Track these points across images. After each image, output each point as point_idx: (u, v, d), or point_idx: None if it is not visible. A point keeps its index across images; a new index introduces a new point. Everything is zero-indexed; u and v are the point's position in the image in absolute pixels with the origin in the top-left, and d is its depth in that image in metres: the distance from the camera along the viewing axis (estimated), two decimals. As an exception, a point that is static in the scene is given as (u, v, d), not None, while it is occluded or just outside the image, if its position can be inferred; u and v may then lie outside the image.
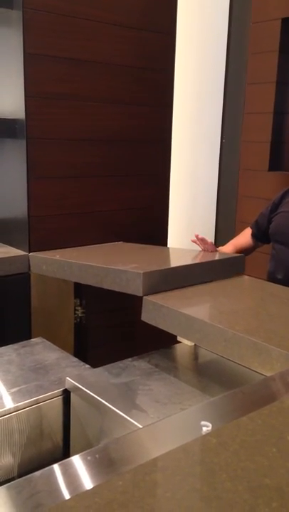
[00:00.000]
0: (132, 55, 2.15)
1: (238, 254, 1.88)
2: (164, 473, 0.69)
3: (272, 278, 1.86)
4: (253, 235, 2.03)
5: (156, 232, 2.40)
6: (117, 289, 1.58)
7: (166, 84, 2.31)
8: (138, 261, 1.70)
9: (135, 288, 1.51)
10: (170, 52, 2.30)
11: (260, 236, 2.01)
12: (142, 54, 2.18)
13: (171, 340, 1.67)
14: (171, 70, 2.32)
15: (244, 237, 2.08)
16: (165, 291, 1.54)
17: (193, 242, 1.93)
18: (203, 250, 1.92)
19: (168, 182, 2.39)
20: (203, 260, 1.76)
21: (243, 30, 2.59)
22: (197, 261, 1.74)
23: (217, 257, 1.83)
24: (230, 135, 2.72)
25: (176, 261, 1.88)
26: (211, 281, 1.70)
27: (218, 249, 1.98)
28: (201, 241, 1.89)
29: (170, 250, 2.14)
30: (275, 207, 1.96)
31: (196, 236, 1.89)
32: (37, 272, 1.98)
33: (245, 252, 2.04)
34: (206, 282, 1.66)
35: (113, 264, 1.62)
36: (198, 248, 1.96)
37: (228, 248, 2.01)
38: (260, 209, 2.05)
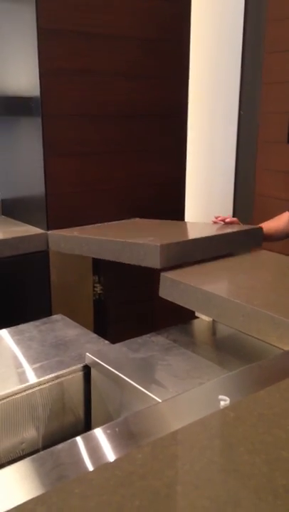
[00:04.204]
0: (148, 28, 2.10)
1: (256, 226, 1.86)
2: (182, 446, 0.71)
3: None
4: None
5: (173, 207, 2.39)
6: (134, 262, 1.58)
7: (182, 56, 2.26)
8: (155, 234, 1.69)
9: (152, 261, 1.50)
10: (185, 21, 2.24)
11: None
12: (158, 26, 2.13)
13: (189, 315, 1.68)
14: (187, 40, 2.27)
15: (278, 219, 2.01)
16: (182, 265, 1.53)
17: (215, 222, 1.90)
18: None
19: (185, 156, 2.37)
20: (221, 232, 1.75)
21: (260, -3, 2.51)
22: (215, 233, 1.73)
23: (235, 228, 1.81)
24: (248, 107, 2.67)
25: (193, 233, 1.87)
26: (229, 253, 1.69)
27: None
28: (221, 221, 1.86)
29: (187, 224, 2.14)
30: None
31: (216, 218, 1.85)
32: (55, 250, 2.00)
33: (278, 235, 1.99)
34: (224, 255, 1.66)
35: (130, 239, 1.62)
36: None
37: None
38: (279, 182, 2.02)
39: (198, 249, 1.61)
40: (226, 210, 2.80)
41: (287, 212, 2.01)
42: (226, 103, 2.69)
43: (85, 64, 1.98)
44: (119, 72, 2.07)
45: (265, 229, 1.98)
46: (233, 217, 2.75)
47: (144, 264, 1.55)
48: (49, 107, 1.93)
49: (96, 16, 1.97)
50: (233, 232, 1.76)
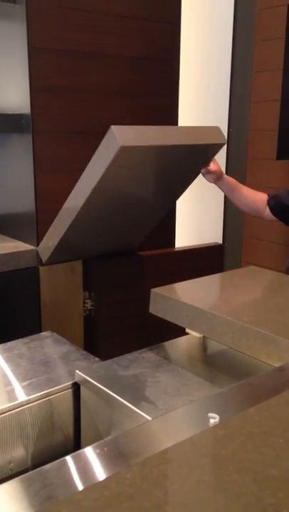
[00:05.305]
0: (137, 46, 2.14)
1: (214, 126, 1.92)
2: (171, 465, 0.70)
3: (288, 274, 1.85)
4: (269, 204, 1.99)
5: (164, 237, 2.42)
6: (106, 163, 1.63)
7: (172, 75, 2.30)
8: None
9: (113, 145, 1.58)
10: (175, 42, 2.28)
11: (274, 206, 1.96)
12: (147, 45, 2.17)
13: (180, 331, 1.68)
14: (177, 60, 2.30)
15: (255, 192, 2.04)
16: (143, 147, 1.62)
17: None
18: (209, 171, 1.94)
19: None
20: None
21: (248, 17, 2.56)
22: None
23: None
24: (237, 124, 2.70)
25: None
26: (189, 144, 1.77)
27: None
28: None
29: None
30: None
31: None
32: (48, 256, 1.98)
33: (251, 207, 2.01)
34: (184, 145, 1.74)
35: None
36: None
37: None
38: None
39: (157, 134, 1.69)
40: (217, 226, 2.82)
41: (266, 195, 2.01)
42: (215, 121, 2.72)
43: (76, 82, 2.01)
44: (110, 90, 2.10)
45: (241, 188, 2.01)
46: (224, 233, 2.79)
47: (110, 156, 1.60)
48: (39, 124, 1.95)
49: (86, 35, 2.00)
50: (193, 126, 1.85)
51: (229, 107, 2.70)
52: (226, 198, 2.76)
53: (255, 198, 1.99)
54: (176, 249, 2.56)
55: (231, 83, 2.67)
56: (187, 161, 1.89)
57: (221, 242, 2.81)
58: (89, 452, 0.73)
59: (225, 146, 2.76)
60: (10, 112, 2.02)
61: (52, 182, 2.02)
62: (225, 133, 2.74)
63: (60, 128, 2.00)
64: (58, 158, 2.02)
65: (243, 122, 2.66)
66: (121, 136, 1.59)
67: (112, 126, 1.61)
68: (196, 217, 2.77)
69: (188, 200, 2.67)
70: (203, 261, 2.60)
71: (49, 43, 1.92)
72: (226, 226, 2.82)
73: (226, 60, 2.64)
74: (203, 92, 2.63)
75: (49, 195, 2.02)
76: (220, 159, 2.79)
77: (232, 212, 2.79)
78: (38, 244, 2.02)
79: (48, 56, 1.92)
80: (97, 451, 0.73)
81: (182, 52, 2.35)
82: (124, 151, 1.59)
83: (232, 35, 2.62)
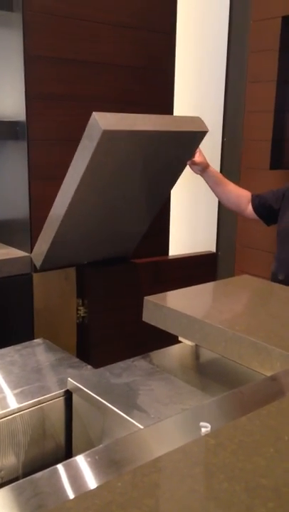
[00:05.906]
0: (133, 55, 2.15)
1: (195, 116, 1.93)
2: (163, 474, 0.70)
3: (274, 279, 1.86)
4: (253, 202, 2.01)
5: (158, 245, 2.42)
6: (88, 155, 1.63)
7: (167, 84, 2.32)
8: None
9: (95, 131, 1.59)
10: (170, 51, 2.30)
11: (258, 205, 1.99)
12: (143, 54, 2.18)
13: (173, 339, 1.69)
14: (172, 69, 2.32)
15: (239, 188, 2.06)
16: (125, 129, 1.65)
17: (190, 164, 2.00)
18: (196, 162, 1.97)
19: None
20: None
21: (243, 29, 2.58)
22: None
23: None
24: (231, 134, 2.72)
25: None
26: (171, 131, 1.80)
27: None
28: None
29: None
30: (281, 197, 1.95)
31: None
32: (41, 261, 1.97)
33: (234, 202, 2.03)
34: (167, 131, 1.77)
35: None
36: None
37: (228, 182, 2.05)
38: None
39: (139, 120, 1.71)
40: (210, 235, 2.83)
41: (250, 193, 2.04)
42: (209, 130, 2.74)
43: (72, 90, 2.02)
44: (105, 99, 2.11)
45: (226, 183, 2.04)
46: (217, 242, 2.80)
47: (93, 143, 1.61)
48: (35, 132, 1.95)
49: (83, 44, 2.01)
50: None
51: (224, 117, 2.72)
52: (219, 206, 2.78)
53: (239, 194, 2.04)
54: (169, 258, 2.56)
55: (226, 93, 2.70)
56: (172, 152, 1.90)
57: (214, 250, 2.82)
58: (80, 461, 0.73)
59: (219, 156, 2.78)
60: (5, 119, 2.02)
61: (46, 189, 2.02)
62: (219, 143, 2.76)
63: (55, 135, 2.01)
64: (53, 166, 2.03)
65: (237, 132, 2.67)
66: (103, 121, 1.60)
67: (93, 112, 1.61)
68: (190, 225, 2.78)
69: (182, 209, 2.68)
70: (197, 269, 2.60)
71: (45, 50, 1.93)
72: (220, 235, 2.83)
73: (220, 71, 2.67)
74: (198, 102, 2.65)
75: (43, 202, 2.02)
76: (214, 168, 2.81)
77: (226, 221, 2.80)
78: (31, 251, 2.02)
79: (44, 64, 1.93)
80: (89, 459, 0.73)
81: (177, 62, 2.37)
82: (107, 136, 1.59)
83: (227, 46, 2.65)
